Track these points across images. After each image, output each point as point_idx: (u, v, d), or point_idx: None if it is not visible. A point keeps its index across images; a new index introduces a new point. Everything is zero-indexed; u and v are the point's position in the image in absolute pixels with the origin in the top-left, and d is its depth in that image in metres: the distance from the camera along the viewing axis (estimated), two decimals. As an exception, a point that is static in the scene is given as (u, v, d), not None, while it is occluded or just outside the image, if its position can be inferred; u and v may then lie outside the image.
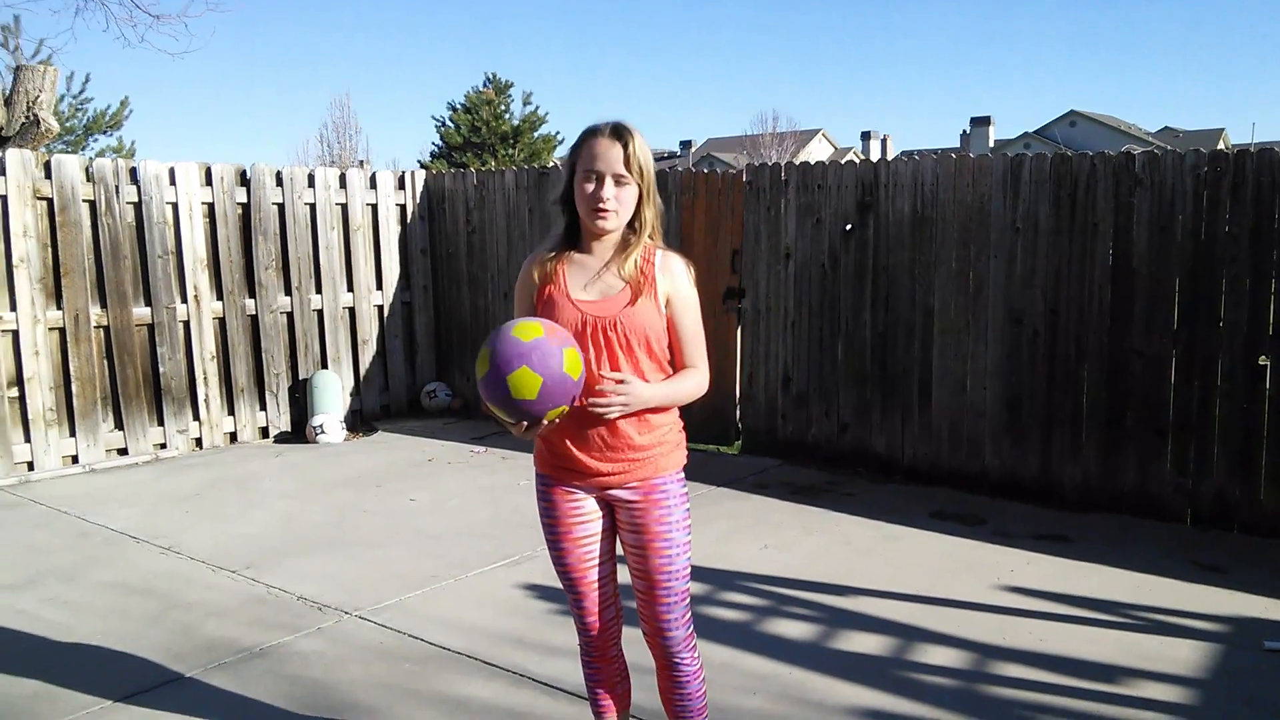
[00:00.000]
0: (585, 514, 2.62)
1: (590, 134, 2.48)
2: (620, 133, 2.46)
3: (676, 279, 2.57)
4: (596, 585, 2.67)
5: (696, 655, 2.72)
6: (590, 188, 2.45)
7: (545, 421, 2.37)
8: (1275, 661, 3.80)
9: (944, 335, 6.16)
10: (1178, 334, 5.39)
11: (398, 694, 3.60)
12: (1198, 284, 5.33)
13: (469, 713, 3.46)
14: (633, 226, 2.54)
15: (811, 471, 6.54)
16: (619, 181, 2.45)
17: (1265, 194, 5.10)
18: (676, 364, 2.63)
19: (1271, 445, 5.16)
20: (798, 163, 6.77)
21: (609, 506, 2.64)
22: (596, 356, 2.49)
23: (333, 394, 7.82)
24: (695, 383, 2.61)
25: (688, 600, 2.67)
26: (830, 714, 3.43)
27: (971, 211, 5.99)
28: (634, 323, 2.49)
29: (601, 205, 2.45)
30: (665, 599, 2.61)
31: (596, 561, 2.65)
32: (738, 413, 7.16)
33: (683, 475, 2.66)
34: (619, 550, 2.70)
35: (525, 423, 2.37)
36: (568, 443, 2.55)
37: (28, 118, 7.43)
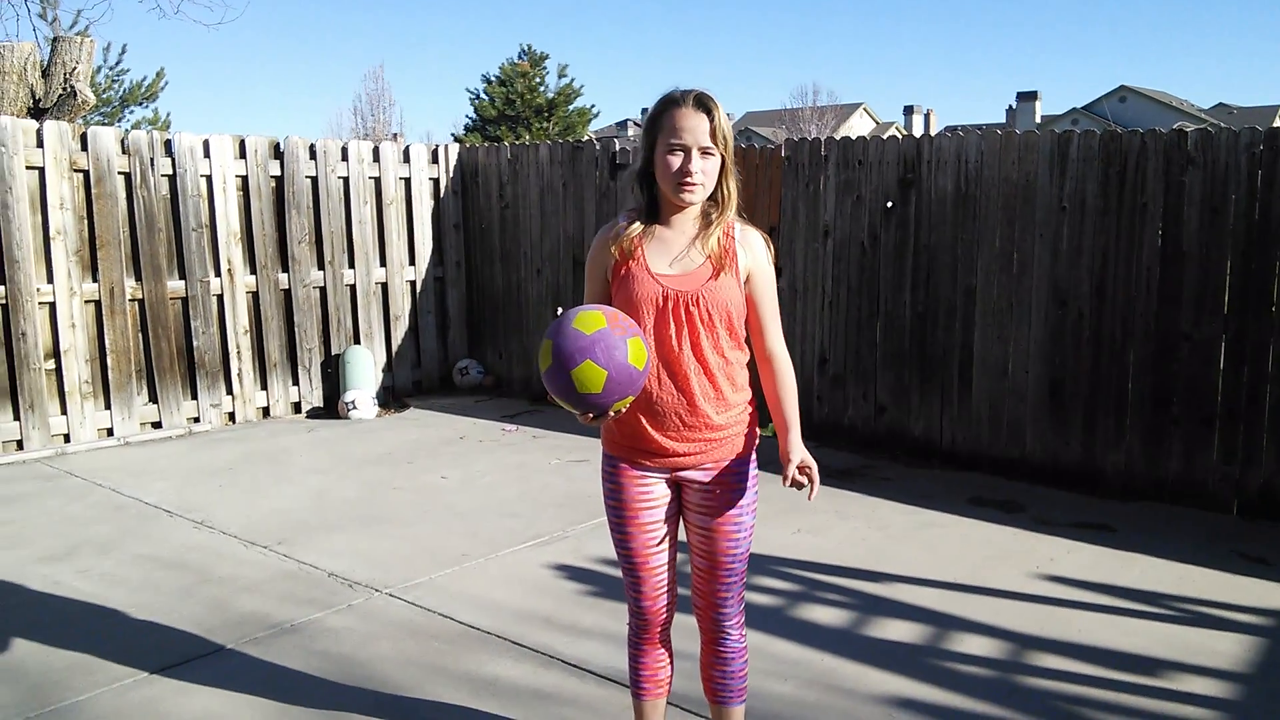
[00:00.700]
0: (654, 499, 2.56)
1: (671, 104, 2.39)
2: (704, 103, 2.37)
3: (757, 254, 2.52)
4: (657, 570, 2.63)
5: (743, 633, 2.71)
6: (677, 161, 2.37)
7: (612, 412, 2.32)
8: (1326, 658, 3.69)
9: (986, 316, 6.03)
10: (1228, 318, 5.23)
11: (427, 672, 3.59)
12: (1250, 267, 5.16)
13: (497, 693, 3.43)
14: (713, 198, 2.47)
15: (847, 454, 6.45)
16: (705, 154, 2.38)
17: (1324, 174, 4.92)
18: (755, 342, 2.58)
19: (1324, 434, 5.01)
20: (838, 138, 6.64)
21: (677, 488, 2.59)
22: (677, 332, 2.44)
23: (365, 370, 7.83)
24: (791, 375, 2.62)
25: (744, 580, 2.66)
26: (862, 702, 3.37)
27: (1017, 189, 5.84)
28: (716, 298, 2.44)
29: (689, 179, 2.37)
30: (726, 578, 2.60)
31: (661, 547, 2.61)
32: (772, 393, 7.07)
33: (755, 457, 2.62)
34: (681, 533, 2.67)
35: (591, 413, 2.32)
36: (643, 422, 2.49)
37: (65, 89, 7.45)
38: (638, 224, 2.48)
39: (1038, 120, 48.26)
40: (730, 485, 2.55)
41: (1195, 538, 4.92)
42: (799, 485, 2.49)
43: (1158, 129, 5.51)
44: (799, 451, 2.50)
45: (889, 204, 6.34)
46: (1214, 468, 5.32)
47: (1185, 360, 5.37)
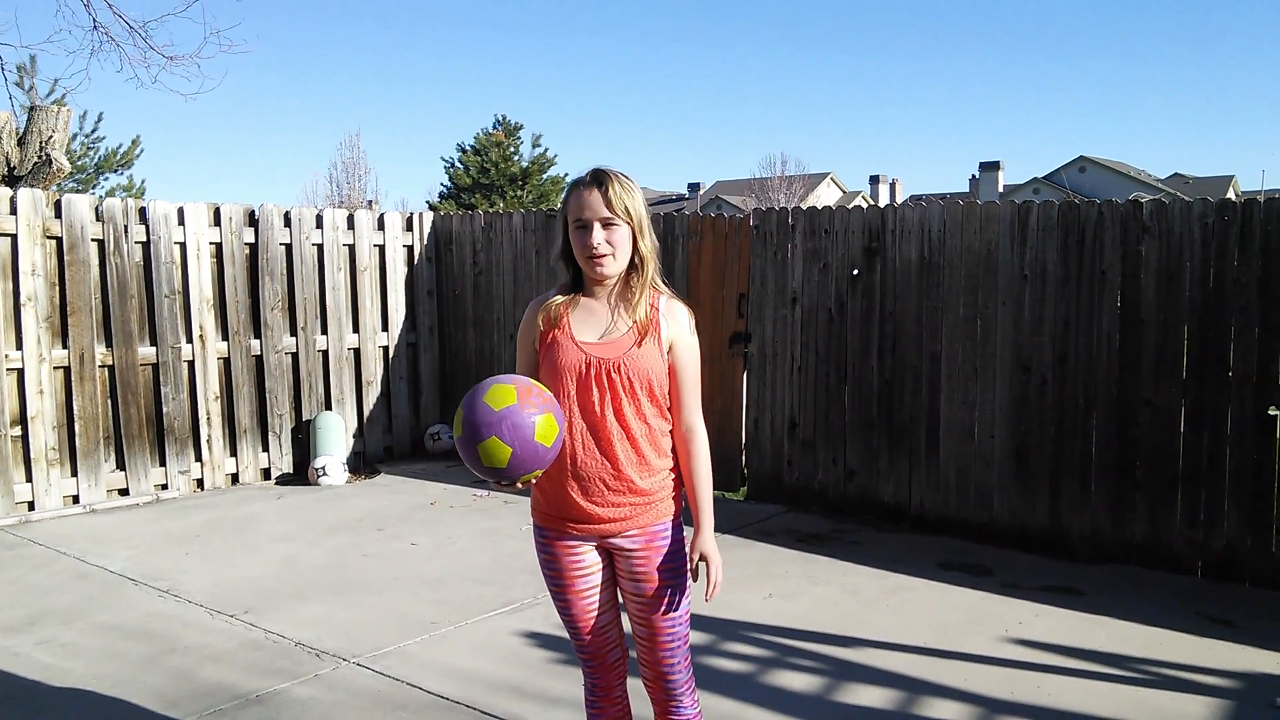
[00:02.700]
0: (586, 566, 2.61)
1: (573, 186, 2.55)
2: (599, 178, 2.51)
3: (680, 326, 2.61)
4: (601, 631, 2.68)
5: (696, 700, 2.73)
6: (581, 238, 2.50)
7: (520, 484, 2.41)
8: (1290, 720, 3.72)
9: (951, 382, 6.12)
10: (1187, 384, 5.35)
11: (394, 744, 3.54)
12: (1207, 333, 5.29)
13: (466, 765, 3.39)
14: (633, 264, 2.57)
15: (817, 519, 6.47)
16: (606, 225, 2.49)
17: (1273, 243, 5.08)
18: (675, 412, 2.64)
19: (1283, 497, 5.11)
20: (805, 207, 6.79)
21: (609, 555, 2.63)
22: (600, 398, 2.51)
23: (336, 435, 7.80)
24: (706, 453, 2.65)
25: (689, 644, 2.68)
26: (835, 770, 3.36)
27: (979, 258, 5.98)
28: (638, 365, 2.52)
29: (595, 252, 2.49)
30: (669, 644, 2.62)
31: (600, 610, 2.66)
32: (744, 458, 7.12)
33: (680, 521, 2.66)
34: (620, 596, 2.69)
35: (501, 481, 2.40)
36: (569, 489, 2.55)
37: (40, 157, 7.49)
38: (561, 296, 2.61)
39: (1000, 189, 49.24)
40: (659, 550, 2.58)
41: (1161, 600, 4.97)
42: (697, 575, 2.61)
43: (1114, 199, 5.68)
44: (705, 546, 2.59)
45: (855, 272, 6.46)
46: (1178, 531, 5.39)
47: (1147, 425, 5.47)
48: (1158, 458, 5.45)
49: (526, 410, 2.32)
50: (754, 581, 5.25)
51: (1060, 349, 5.73)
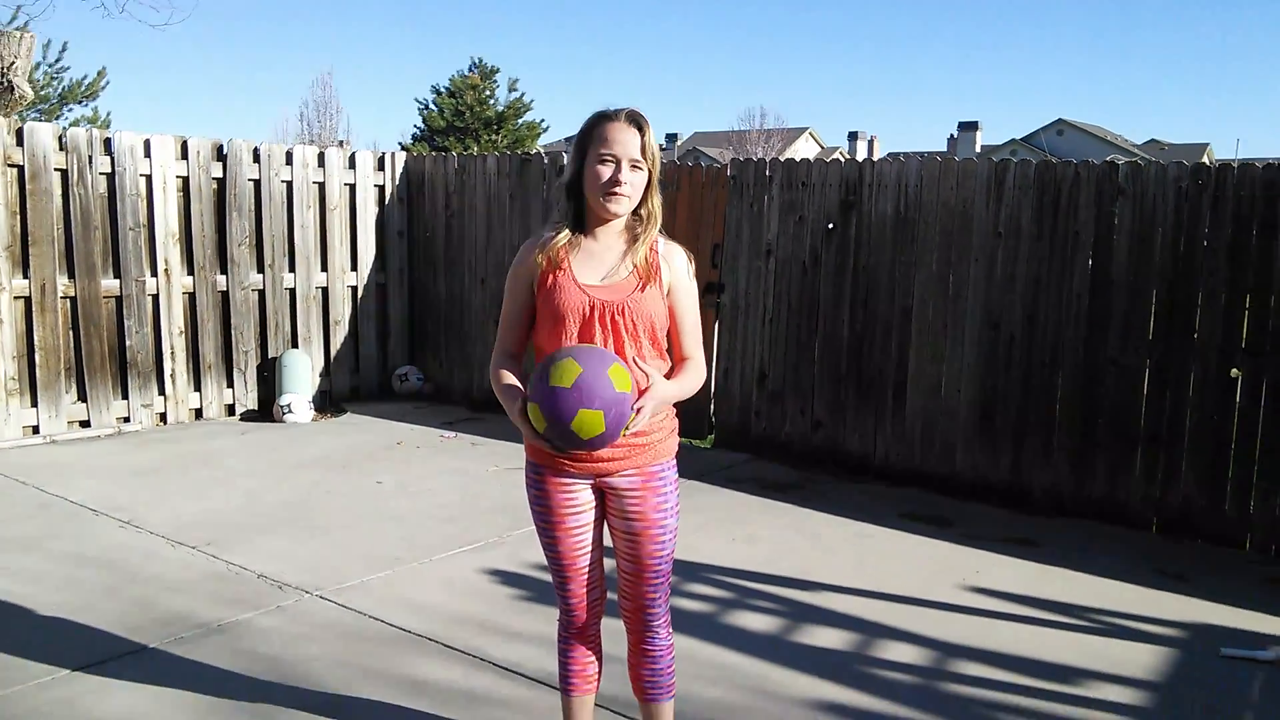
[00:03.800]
0: (579, 504, 2.61)
1: (605, 119, 2.48)
2: (636, 119, 2.48)
3: (679, 269, 2.61)
4: (584, 571, 2.69)
5: (670, 631, 2.77)
6: (607, 172, 2.45)
7: (623, 438, 2.43)
8: (1231, 667, 3.82)
9: (921, 337, 6.16)
10: (1153, 345, 5.42)
11: (356, 673, 3.56)
12: (1175, 296, 5.35)
13: (427, 694, 3.42)
14: (637, 214, 2.55)
15: (783, 468, 6.53)
16: (634, 167, 2.47)
17: (1244, 209, 5.13)
18: (675, 354, 2.65)
19: (1238, 456, 5.20)
20: (783, 160, 6.75)
21: (600, 494, 2.63)
22: (603, 340, 2.50)
23: (302, 374, 7.74)
24: (699, 375, 2.66)
25: (669, 579, 2.71)
26: (789, 706, 3.42)
27: (954, 215, 5.99)
28: (641, 309, 2.51)
29: (617, 189, 2.45)
30: (653, 580, 2.65)
31: (588, 549, 2.67)
32: (712, 407, 7.14)
33: (675, 462, 2.68)
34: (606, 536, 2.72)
35: (604, 447, 2.41)
36: None
37: (2, 84, 7.28)
38: (565, 233, 2.55)
39: (978, 150, 49.17)
40: (655, 490, 2.60)
41: (1117, 554, 5.07)
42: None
43: (1090, 160, 5.70)
44: (656, 387, 2.47)
45: (830, 225, 6.45)
46: (1136, 488, 5.49)
47: (1111, 385, 5.54)
48: (1120, 417, 5.52)
49: (594, 369, 2.32)
50: (718, 526, 5.30)
51: (1030, 307, 5.77)
